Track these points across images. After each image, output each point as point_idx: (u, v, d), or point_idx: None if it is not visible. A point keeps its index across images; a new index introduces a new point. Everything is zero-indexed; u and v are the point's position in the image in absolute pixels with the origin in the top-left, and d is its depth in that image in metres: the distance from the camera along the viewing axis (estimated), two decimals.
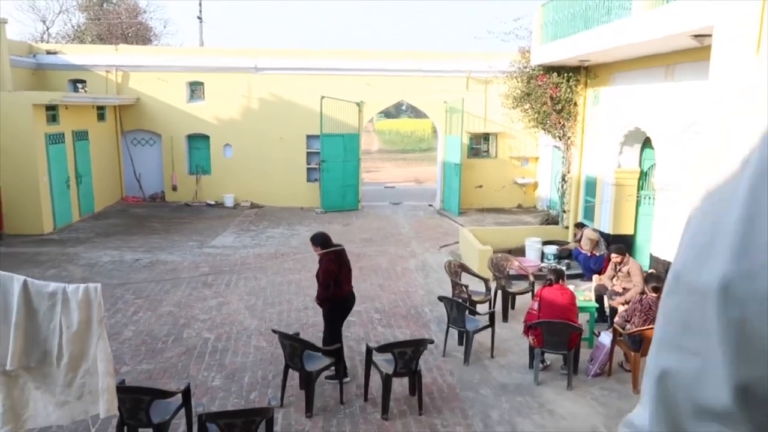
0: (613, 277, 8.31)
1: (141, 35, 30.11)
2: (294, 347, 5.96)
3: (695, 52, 7.87)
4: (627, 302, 7.72)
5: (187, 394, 5.29)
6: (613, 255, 8.32)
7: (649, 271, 9.10)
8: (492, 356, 7.33)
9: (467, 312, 7.40)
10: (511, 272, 9.49)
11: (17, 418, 3.91)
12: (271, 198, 17.77)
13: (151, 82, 17.33)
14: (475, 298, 8.30)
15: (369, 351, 6.13)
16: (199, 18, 29.78)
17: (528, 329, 6.82)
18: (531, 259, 10.74)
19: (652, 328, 6.44)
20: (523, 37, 14.42)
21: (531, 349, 6.91)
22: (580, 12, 9.82)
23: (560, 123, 12.08)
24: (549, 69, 11.68)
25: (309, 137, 17.61)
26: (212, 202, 17.68)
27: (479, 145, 18.20)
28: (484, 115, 17.59)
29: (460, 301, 7.69)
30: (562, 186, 12.89)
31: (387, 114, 51.37)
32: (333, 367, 6.25)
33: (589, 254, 9.82)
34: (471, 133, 17.68)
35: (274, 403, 5.31)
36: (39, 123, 13.30)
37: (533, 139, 17.42)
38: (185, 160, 17.89)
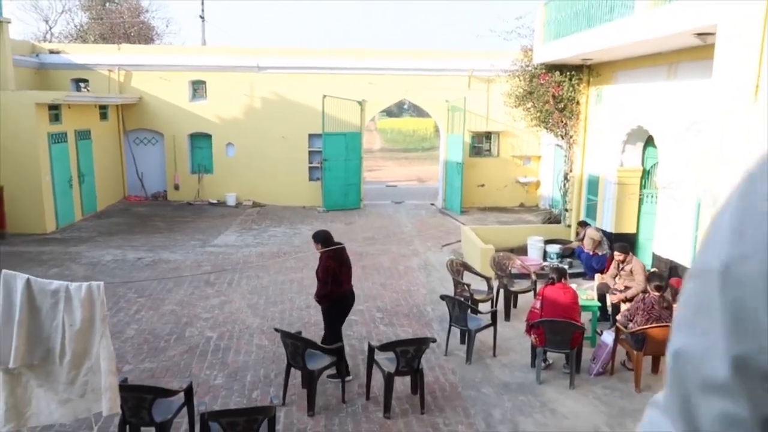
0: (616, 275, 8.30)
1: (143, 34, 30.14)
2: (296, 346, 5.96)
3: (698, 51, 7.85)
4: (627, 299, 7.70)
5: (189, 392, 5.30)
6: (616, 253, 8.31)
7: (652, 269, 9.08)
8: (494, 355, 7.32)
9: (469, 311, 7.40)
10: (513, 271, 9.49)
11: (20, 415, 3.92)
12: (273, 197, 17.78)
13: (154, 81, 17.35)
14: (477, 296, 8.30)
15: (371, 350, 6.13)
16: (202, 17, 29.80)
17: (530, 328, 6.81)
18: (533, 258, 10.73)
19: (654, 327, 6.43)
20: (526, 36, 14.42)
21: (533, 347, 6.90)
22: (583, 10, 9.80)
23: (562, 122, 12.06)
24: (551, 67, 11.67)
25: (311, 136, 17.62)
26: (214, 201, 17.70)
27: (481, 143, 18.18)
28: (487, 113, 17.57)
29: (462, 299, 7.69)
30: (565, 185, 12.88)
31: (389, 113, 51.39)
32: (334, 366, 6.26)
33: (591, 253, 9.82)
34: (473, 132, 17.66)
35: (276, 402, 5.32)
36: (42, 122, 13.32)
37: (535, 137, 17.41)
38: (187, 159, 17.91)
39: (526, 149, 17.99)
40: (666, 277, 8.27)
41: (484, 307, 8.19)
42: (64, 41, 27.14)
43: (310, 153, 17.83)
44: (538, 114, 12.39)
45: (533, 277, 9.07)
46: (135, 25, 29.88)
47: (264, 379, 6.65)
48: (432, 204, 18.39)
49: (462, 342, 7.51)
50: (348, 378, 6.43)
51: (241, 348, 7.48)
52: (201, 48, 22.14)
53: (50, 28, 29.99)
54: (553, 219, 14.20)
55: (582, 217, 11.71)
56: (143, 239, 13.16)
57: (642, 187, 10.49)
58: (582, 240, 10.10)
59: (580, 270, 10.13)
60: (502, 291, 8.79)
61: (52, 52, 17.35)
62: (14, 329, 3.77)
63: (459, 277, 8.60)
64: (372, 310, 8.91)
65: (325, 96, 16.26)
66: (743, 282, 0.52)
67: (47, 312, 3.87)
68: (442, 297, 7.82)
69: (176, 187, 17.90)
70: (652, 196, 10.21)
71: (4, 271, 3.81)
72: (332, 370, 6.36)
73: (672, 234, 9.09)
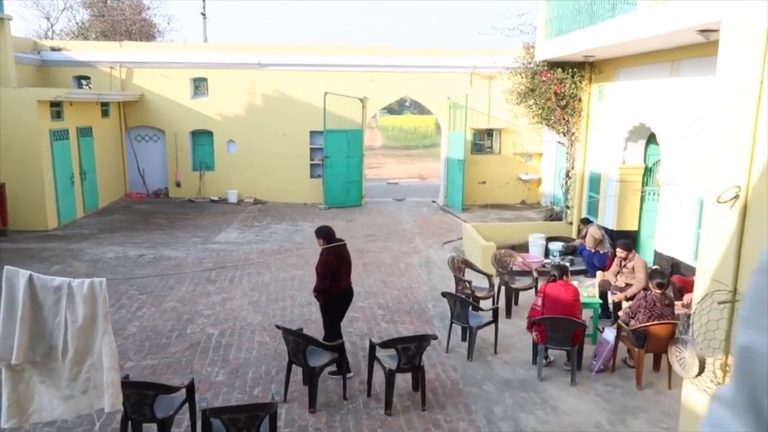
0: (618, 273, 8.29)
1: (145, 32, 30.14)
2: (297, 343, 5.97)
3: (701, 48, 7.83)
4: (628, 298, 7.70)
5: (191, 389, 5.31)
6: (618, 250, 8.30)
7: (654, 267, 9.07)
8: (495, 352, 7.33)
9: (470, 308, 7.40)
10: (515, 268, 9.48)
11: (23, 411, 3.93)
12: (275, 194, 17.79)
13: (155, 78, 17.35)
14: (478, 294, 8.31)
15: (372, 347, 6.14)
16: (203, 14, 29.78)
17: (531, 325, 6.81)
18: (534, 255, 10.72)
19: (656, 325, 6.43)
20: (528, 33, 14.39)
21: (534, 345, 6.91)
22: (585, 7, 9.77)
23: (564, 119, 12.04)
24: (553, 65, 11.64)
25: (312, 133, 17.62)
26: (216, 198, 17.72)
27: (483, 141, 18.16)
28: (488, 111, 17.55)
29: (464, 296, 7.69)
30: (566, 182, 12.86)
31: (390, 110, 51.38)
32: (335, 363, 6.27)
33: (593, 251, 9.81)
34: (475, 129, 17.65)
35: (277, 399, 5.32)
36: (43, 119, 13.34)
37: (537, 135, 17.39)
38: (189, 157, 17.92)
39: (528, 146, 17.97)
40: (668, 274, 8.26)
41: (485, 304, 8.20)
42: (65, 38, 27.17)
43: (312, 150, 17.83)
44: (540, 111, 12.37)
45: (534, 274, 9.07)
46: (136, 22, 29.87)
47: (265, 375, 6.66)
48: (433, 201, 18.39)
49: (463, 339, 7.51)
50: (349, 375, 6.45)
51: (243, 345, 7.49)
52: (202, 45, 22.14)
53: (52, 26, 30.02)
54: (555, 216, 14.19)
55: (584, 215, 11.70)
56: (145, 236, 13.17)
57: (644, 184, 10.48)
58: (584, 237, 10.09)
59: (582, 267, 10.12)
60: (503, 288, 8.79)
61: (53, 49, 17.36)
62: (17, 326, 3.77)
63: (460, 274, 8.60)
64: (373, 307, 8.91)
65: (326, 93, 16.25)
66: None
67: (50, 308, 3.87)
68: (444, 294, 7.83)
69: (178, 185, 17.92)
70: (654, 194, 10.19)
71: (6, 267, 3.82)
72: (333, 367, 6.38)
73: (674, 232, 9.08)
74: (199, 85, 17.79)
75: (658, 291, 6.72)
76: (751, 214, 3.93)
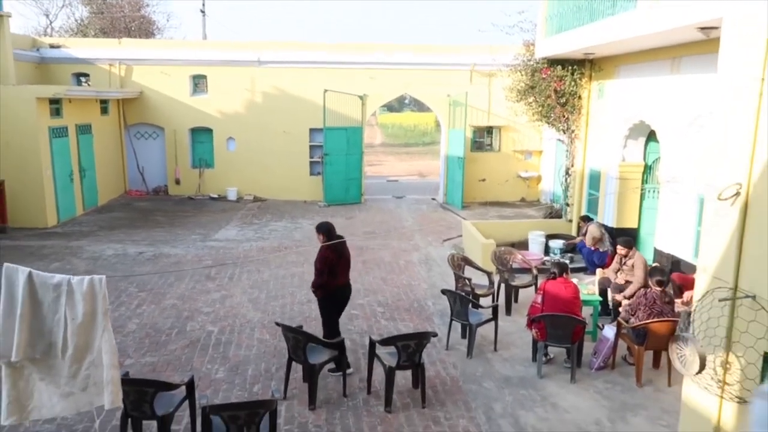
0: (618, 270, 8.29)
1: (144, 29, 30.09)
2: (297, 340, 5.97)
3: (702, 45, 7.82)
4: (626, 297, 7.69)
5: (190, 386, 5.30)
6: (619, 247, 8.29)
7: (653, 264, 9.07)
8: (495, 349, 7.33)
9: (470, 305, 7.41)
10: (515, 266, 9.48)
11: (22, 408, 3.92)
12: (274, 191, 17.78)
13: (154, 75, 17.32)
14: (478, 291, 8.30)
15: (372, 344, 6.14)
16: (202, 11, 29.74)
17: (531, 322, 6.81)
18: (534, 253, 10.72)
19: (656, 322, 6.43)
20: (528, 30, 14.34)
21: (534, 342, 6.91)
22: (585, 4, 9.75)
23: (564, 116, 12.03)
24: (553, 62, 11.63)
25: (312, 130, 17.60)
26: (215, 196, 17.70)
27: (483, 138, 18.15)
28: (488, 108, 17.53)
29: (464, 294, 7.69)
30: (566, 179, 12.86)
31: (390, 108, 51.31)
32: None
33: (592, 248, 9.80)
34: (474, 127, 17.63)
35: (277, 396, 5.33)
36: (42, 116, 13.32)
37: (537, 132, 17.37)
38: (188, 154, 17.90)
39: (528, 144, 17.96)
40: (668, 272, 8.26)
41: (485, 301, 8.20)
42: (64, 35, 27.14)
43: (311, 147, 17.82)
44: (540, 108, 12.36)
45: (534, 271, 9.07)
46: (135, 19, 29.82)
47: (265, 373, 6.66)
48: (433, 199, 18.38)
49: (463, 336, 7.51)
50: (349, 371, 6.45)
51: (243, 342, 7.49)
52: (202, 42, 22.10)
53: (51, 23, 29.95)
54: (555, 214, 14.19)
55: (583, 212, 11.70)
56: (144, 234, 13.16)
57: (644, 182, 10.47)
58: (585, 235, 10.08)
59: (582, 265, 10.12)
60: (503, 285, 8.79)
61: (52, 46, 17.32)
62: (16, 323, 3.77)
63: (460, 272, 8.60)
64: (373, 305, 8.91)
65: (326, 90, 16.23)
66: None
67: (49, 306, 3.86)
68: (443, 291, 7.82)
69: (177, 182, 17.90)
70: (653, 191, 10.19)
71: (5, 264, 3.81)
72: (332, 364, 6.38)
73: (674, 229, 9.08)
74: (199, 83, 17.77)
75: (658, 288, 6.73)
76: (752, 211, 3.92)
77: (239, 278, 10.10)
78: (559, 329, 6.56)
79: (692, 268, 7.73)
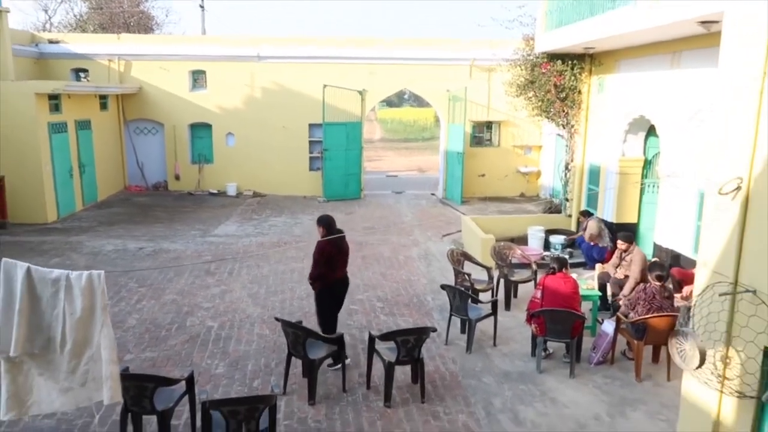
0: (618, 265, 8.28)
1: (143, 24, 29.99)
2: (297, 335, 5.97)
3: (702, 39, 7.79)
4: (626, 296, 7.68)
5: (190, 381, 5.31)
6: (619, 242, 8.28)
7: (653, 259, 9.07)
8: (494, 344, 7.33)
9: (470, 300, 7.40)
10: (514, 261, 9.48)
11: (21, 404, 3.92)
12: (274, 187, 17.76)
13: (153, 70, 17.28)
14: (477, 286, 8.31)
15: (372, 339, 6.14)
16: (201, 6, 29.64)
17: (531, 317, 6.81)
18: (533, 248, 10.72)
19: (655, 317, 6.43)
20: (528, 25, 14.33)
21: (533, 337, 6.91)
22: None
23: (564, 111, 12.01)
24: (553, 56, 11.60)
25: (311, 126, 17.58)
26: (215, 191, 17.69)
27: (482, 133, 18.12)
28: (488, 103, 17.50)
29: (463, 289, 7.69)
30: (566, 174, 12.85)
31: (389, 103, 51.29)
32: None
33: (591, 243, 9.80)
34: (474, 122, 17.61)
35: (277, 391, 5.33)
36: (42, 112, 13.29)
37: (536, 127, 17.35)
38: (188, 149, 17.88)
39: (527, 139, 17.94)
40: (667, 267, 8.25)
41: (484, 296, 8.20)
42: (63, 31, 27.04)
43: (311, 143, 17.80)
44: (540, 103, 12.34)
45: (534, 266, 9.06)
46: (134, 14, 29.72)
47: (265, 368, 6.67)
48: (432, 194, 18.37)
49: (462, 331, 7.52)
50: (347, 361, 6.45)
51: (242, 337, 7.49)
52: (201, 37, 22.02)
53: (49, 18, 29.86)
54: (554, 209, 14.18)
55: (583, 207, 11.69)
56: (144, 229, 13.16)
57: (643, 176, 10.46)
58: (585, 230, 10.08)
59: (581, 260, 10.12)
60: (502, 281, 8.79)
61: (51, 41, 17.26)
62: (15, 318, 3.76)
63: (459, 267, 8.60)
64: (372, 300, 8.92)
65: (325, 86, 16.20)
66: None
67: (48, 301, 3.86)
68: (443, 286, 7.82)
69: (177, 177, 17.89)
70: (653, 186, 10.18)
71: (4, 259, 3.80)
72: (331, 359, 6.39)
73: (673, 224, 9.07)
74: (198, 78, 17.73)
75: (658, 283, 6.72)
76: (753, 205, 3.91)
77: (239, 273, 10.10)
78: (559, 324, 6.56)
79: (692, 263, 7.72)
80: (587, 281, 8.03)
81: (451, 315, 7.45)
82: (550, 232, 11.16)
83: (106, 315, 3.95)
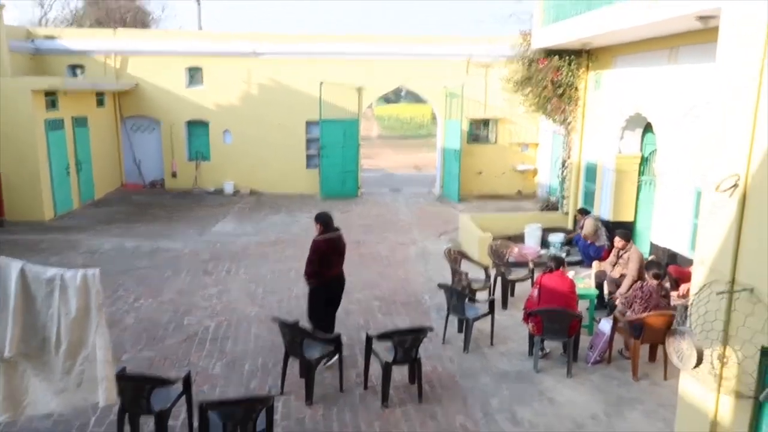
0: (615, 263, 8.27)
1: (139, 20, 29.88)
2: (294, 335, 5.95)
3: (700, 34, 7.77)
4: (623, 294, 7.68)
5: (187, 381, 5.29)
6: (616, 240, 8.27)
7: (650, 258, 9.07)
8: (492, 344, 7.32)
9: (467, 299, 7.39)
10: (511, 259, 9.47)
11: (17, 405, 3.90)
12: (271, 185, 17.72)
13: (150, 67, 17.20)
14: (474, 285, 8.29)
15: (369, 339, 6.12)
16: (197, 1, 29.48)
17: (528, 316, 6.81)
18: (531, 246, 10.71)
19: (652, 315, 6.43)
20: (525, 20, 14.29)
21: (531, 336, 6.91)
22: None
23: (561, 107, 11.98)
24: (550, 52, 11.57)
25: (308, 123, 17.52)
26: (212, 190, 17.63)
27: (479, 130, 18.10)
28: (485, 100, 17.46)
29: (460, 288, 7.68)
30: (563, 172, 12.84)
31: (386, 99, 51.08)
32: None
33: (588, 242, 9.79)
34: (471, 119, 17.57)
35: (274, 391, 5.33)
36: (38, 109, 13.22)
37: (534, 124, 17.33)
38: (185, 147, 17.81)
39: (525, 136, 17.91)
40: (664, 265, 8.25)
41: (481, 295, 8.19)
42: (59, 26, 26.90)
43: (308, 140, 17.74)
44: (537, 100, 12.31)
45: (531, 265, 9.06)
46: (131, 10, 29.60)
47: (262, 368, 6.65)
48: (429, 192, 18.35)
49: (459, 331, 7.51)
50: (335, 357, 6.42)
51: (240, 337, 7.47)
52: (198, 33, 21.89)
53: (45, 14, 29.74)
54: (551, 206, 14.17)
55: (580, 205, 11.68)
56: (141, 227, 13.12)
57: (640, 174, 10.45)
58: (582, 228, 10.07)
59: (578, 258, 10.11)
60: (499, 279, 8.78)
61: (47, 37, 17.16)
62: (9, 318, 3.73)
63: (457, 266, 8.59)
64: (369, 299, 8.90)
65: (322, 82, 16.15)
66: None
67: (42, 300, 3.83)
68: (440, 286, 7.81)
69: (174, 175, 17.83)
70: (650, 184, 10.17)
71: None
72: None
73: (670, 222, 9.07)
74: (195, 74, 17.65)
75: (655, 281, 6.72)
76: (751, 203, 3.90)
77: (236, 273, 10.08)
78: (556, 323, 6.56)
79: (689, 262, 7.73)
80: (584, 280, 8.02)
81: (448, 314, 7.44)
82: (549, 230, 11.14)
83: (101, 315, 3.92)
